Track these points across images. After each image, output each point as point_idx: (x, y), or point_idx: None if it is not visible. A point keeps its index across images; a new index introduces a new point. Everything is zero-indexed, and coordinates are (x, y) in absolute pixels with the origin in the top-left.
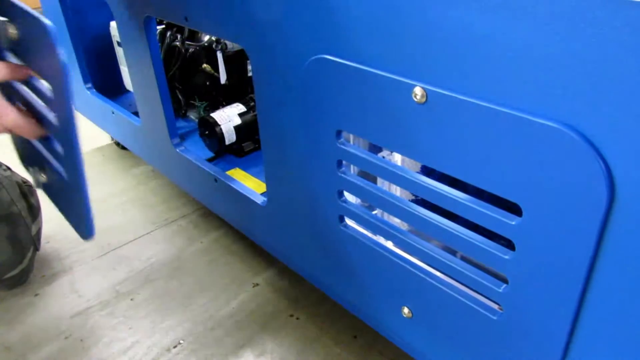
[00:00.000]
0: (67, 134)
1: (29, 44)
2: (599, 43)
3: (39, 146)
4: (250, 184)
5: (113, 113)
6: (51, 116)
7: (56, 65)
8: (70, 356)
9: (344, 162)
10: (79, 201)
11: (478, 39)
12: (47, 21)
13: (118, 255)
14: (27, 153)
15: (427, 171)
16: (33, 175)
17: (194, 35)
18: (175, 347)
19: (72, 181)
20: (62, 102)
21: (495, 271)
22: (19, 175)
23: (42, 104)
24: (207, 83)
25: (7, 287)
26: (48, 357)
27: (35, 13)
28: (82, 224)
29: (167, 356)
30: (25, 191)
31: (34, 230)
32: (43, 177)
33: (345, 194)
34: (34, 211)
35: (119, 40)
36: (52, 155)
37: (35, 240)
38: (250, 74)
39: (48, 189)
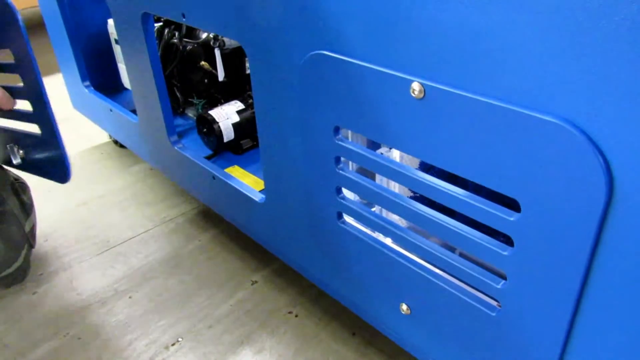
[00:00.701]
0: (37, 91)
1: None
2: (598, 37)
3: (5, 124)
4: (248, 181)
5: (111, 111)
6: (19, 84)
7: (17, 30)
8: (69, 354)
9: (342, 158)
10: (55, 149)
11: (476, 33)
12: None
13: (116, 253)
14: None
15: (425, 168)
16: (12, 153)
17: (191, 33)
18: (173, 344)
19: (46, 133)
20: (27, 62)
21: (493, 268)
22: (11, 173)
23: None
24: (205, 80)
25: (5, 286)
26: (46, 355)
27: None
28: (61, 169)
29: (165, 354)
30: (17, 188)
31: (27, 227)
32: (21, 152)
33: (344, 190)
34: (27, 208)
35: (116, 37)
36: (23, 119)
37: (29, 238)
38: (248, 71)
39: (26, 159)
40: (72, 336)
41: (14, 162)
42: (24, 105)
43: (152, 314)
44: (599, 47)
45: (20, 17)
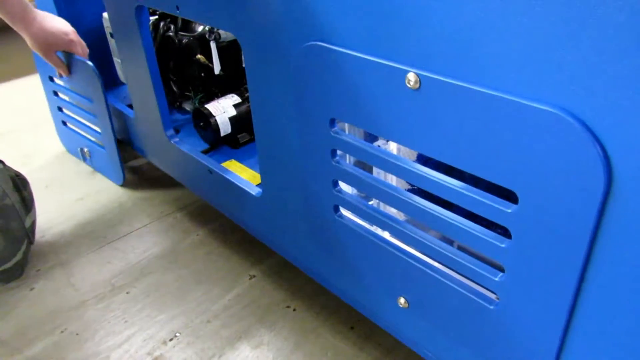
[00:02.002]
0: (106, 124)
1: (76, 76)
2: (597, 24)
3: (84, 134)
4: (245, 175)
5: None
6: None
7: (97, 87)
8: (66, 350)
9: (338, 151)
10: (113, 157)
11: (471, 22)
12: (89, 63)
13: (113, 248)
14: (70, 143)
15: (423, 160)
16: (82, 153)
17: (187, 26)
18: (171, 339)
19: (109, 148)
20: (102, 107)
21: (492, 260)
22: (12, 169)
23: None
24: (202, 74)
25: (2, 281)
26: (43, 351)
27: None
28: (117, 173)
29: (163, 349)
30: (18, 184)
31: (27, 223)
32: (87, 152)
33: (340, 184)
34: (27, 204)
35: (111, 31)
36: (93, 135)
37: (29, 233)
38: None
39: (92, 161)
40: (69, 332)
41: (85, 161)
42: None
43: (149, 309)
44: (597, 35)
45: (100, 79)
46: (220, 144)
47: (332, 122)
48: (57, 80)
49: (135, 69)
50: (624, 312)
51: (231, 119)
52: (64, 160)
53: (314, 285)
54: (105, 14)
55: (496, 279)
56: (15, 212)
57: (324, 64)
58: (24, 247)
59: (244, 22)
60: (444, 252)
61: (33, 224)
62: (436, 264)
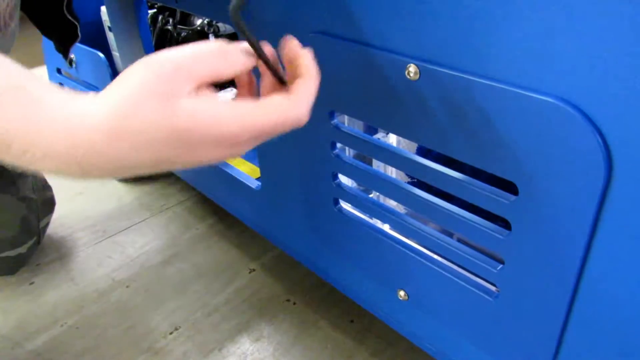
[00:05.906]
0: None
1: (85, 67)
2: (597, 13)
3: None
4: (244, 169)
5: None
6: None
7: (105, 75)
8: (67, 344)
9: (337, 144)
10: None
11: (471, 13)
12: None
13: (113, 242)
14: None
15: (422, 153)
16: None
17: (186, 19)
18: (171, 333)
19: None
20: None
21: (492, 253)
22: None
23: None
24: None
25: (1, 270)
26: (44, 344)
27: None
28: None
29: (164, 342)
30: (46, 186)
31: (42, 223)
32: None
33: (340, 176)
34: (48, 206)
35: (109, 25)
36: None
37: (40, 233)
38: None
39: None
40: (70, 326)
41: None
42: None
43: (149, 302)
44: (597, 23)
45: (109, 69)
46: None
47: (332, 115)
48: (64, 73)
49: (133, 63)
50: (623, 303)
51: None
52: None
53: (314, 278)
54: (103, 8)
55: (495, 271)
56: (36, 208)
57: (324, 56)
58: (30, 243)
59: (243, 14)
60: (444, 244)
61: (46, 226)
62: (436, 257)
